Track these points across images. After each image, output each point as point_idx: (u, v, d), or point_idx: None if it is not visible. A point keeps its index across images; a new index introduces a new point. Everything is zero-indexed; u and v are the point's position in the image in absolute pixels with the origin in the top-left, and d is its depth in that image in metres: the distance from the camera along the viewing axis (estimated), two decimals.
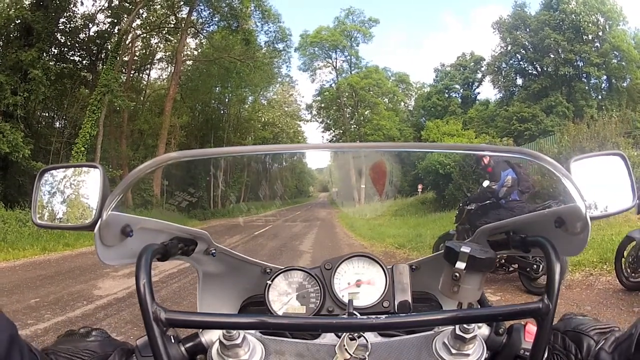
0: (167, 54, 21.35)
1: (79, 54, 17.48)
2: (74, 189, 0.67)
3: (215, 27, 21.13)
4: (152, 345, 0.47)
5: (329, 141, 21.63)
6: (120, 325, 3.71)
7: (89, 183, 0.64)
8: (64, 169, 0.68)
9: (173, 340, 0.58)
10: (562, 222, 0.57)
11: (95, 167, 0.64)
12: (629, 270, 4.18)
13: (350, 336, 0.60)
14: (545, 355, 0.53)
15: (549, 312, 0.48)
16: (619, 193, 0.63)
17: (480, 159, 5.11)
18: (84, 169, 0.66)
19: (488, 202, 4.84)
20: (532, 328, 0.59)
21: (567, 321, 0.59)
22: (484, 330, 0.62)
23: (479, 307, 0.65)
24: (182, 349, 0.60)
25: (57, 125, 17.81)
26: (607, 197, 0.62)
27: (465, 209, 5.12)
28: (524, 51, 22.83)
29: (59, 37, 16.54)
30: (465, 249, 0.56)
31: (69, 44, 17.07)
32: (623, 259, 4.24)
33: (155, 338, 0.47)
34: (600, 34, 20.33)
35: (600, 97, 21.40)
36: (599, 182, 0.62)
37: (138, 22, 18.16)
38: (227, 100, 24.23)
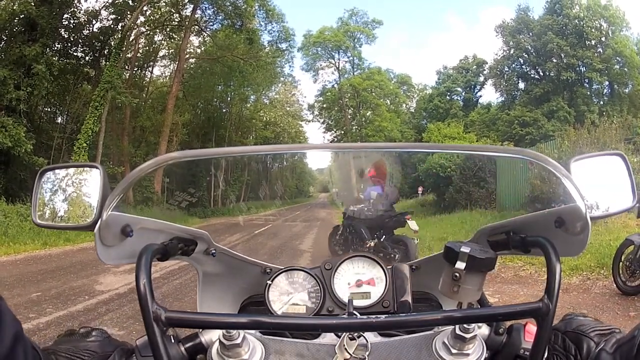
0: (170, 51, 21.39)
1: (82, 50, 17.48)
2: (74, 188, 0.67)
3: (219, 25, 21.19)
4: (152, 345, 0.47)
5: (330, 141, 21.61)
6: (122, 320, 3.74)
7: (89, 183, 0.64)
8: (64, 169, 0.68)
9: (173, 340, 0.58)
10: (562, 222, 0.57)
11: (95, 167, 0.64)
12: (626, 275, 4.18)
13: (350, 336, 0.60)
14: (545, 355, 0.53)
15: (549, 312, 0.48)
16: (619, 193, 0.64)
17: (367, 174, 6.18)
18: (84, 168, 0.66)
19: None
20: (532, 328, 0.59)
21: (568, 321, 0.59)
22: (483, 330, 0.62)
23: (479, 307, 0.65)
24: (182, 348, 0.59)
25: (59, 121, 17.83)
26: (607, 197, 0.62)
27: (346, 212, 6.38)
28: (526, 55, 22.83)
29: (63, 33, 16.52)
30: (465, 249, 0.57)
31: (72, 39, 17.07)
32: (621, 263, 4.24)
33: (155, 338, 0.47)
34: (603, 39, 20.33)
35: (601, 102, 21.40)
36: (599, 182, 0.62)
37: (142, 19, 18.21)
38: (229, 98, 24.20)
